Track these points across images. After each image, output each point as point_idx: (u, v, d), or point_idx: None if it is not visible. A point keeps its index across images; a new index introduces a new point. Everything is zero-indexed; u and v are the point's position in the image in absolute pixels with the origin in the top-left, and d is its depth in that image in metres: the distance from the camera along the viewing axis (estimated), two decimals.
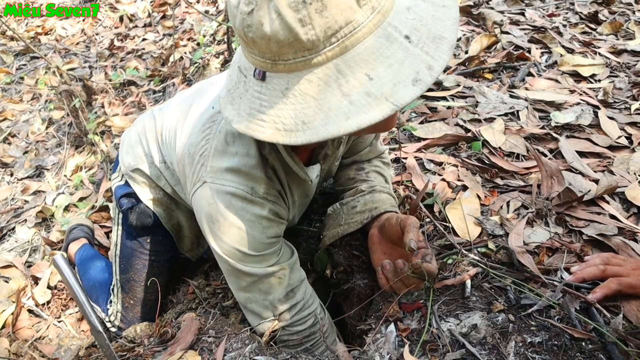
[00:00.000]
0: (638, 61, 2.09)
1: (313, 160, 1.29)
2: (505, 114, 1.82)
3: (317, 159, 1.28)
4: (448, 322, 1.10)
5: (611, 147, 1.62)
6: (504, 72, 2.14)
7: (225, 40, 3.06)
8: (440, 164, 1.63)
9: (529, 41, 2.33)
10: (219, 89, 1.17)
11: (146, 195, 1.56)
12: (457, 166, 1.59)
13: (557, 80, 2.01)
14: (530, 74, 2.09)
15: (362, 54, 0.80)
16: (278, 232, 1.18)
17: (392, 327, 1.14)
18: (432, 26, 0.81)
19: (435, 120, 1.85)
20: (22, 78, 3.93)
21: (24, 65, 4.14)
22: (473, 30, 2.49)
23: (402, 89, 0.78)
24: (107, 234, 2.30)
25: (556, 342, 1.01)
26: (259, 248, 1.14)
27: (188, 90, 1.45)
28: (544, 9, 2.66)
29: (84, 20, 4.52)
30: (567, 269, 1.17)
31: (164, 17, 4.22)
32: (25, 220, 2.59)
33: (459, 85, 2.04)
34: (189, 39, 3.67)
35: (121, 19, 4.37)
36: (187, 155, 1.16)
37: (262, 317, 1.24)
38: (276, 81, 0.84)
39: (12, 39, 4.41)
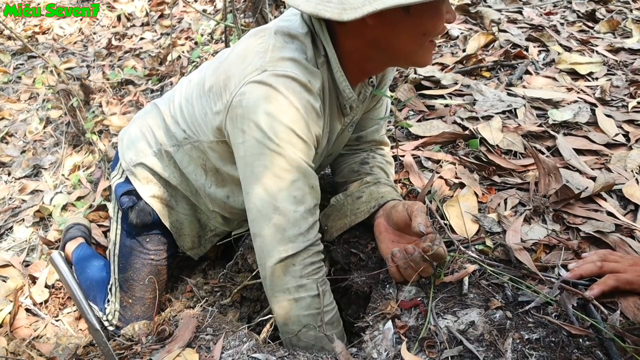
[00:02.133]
0: (635, 59, 2.10)
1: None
2: (503, 112, 1.83)
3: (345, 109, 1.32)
4: (446, 319, 1.11)
5: (608, 145, 1.62)
6: (502, 70, 2.15)
7: (223, 39, 3.05)
8: (437, 161, 1.63)
9: (527, 39, 2.34)
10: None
11: (147, 192, 1.56)
12: (454, 164, 1.59)
13: (554, 79, 2.02)
14: (527, 72, 2.09)
15: None
16: (319, 133, 1.21)
17: (389, 324, 1.14)
18: None
19: (433, 118, 1.85)
20: (19, 77, 3.92)
21: (22, 64, 4.13)
22: (471, 29, 2.50)
23: None
24: (105, 233, 2.30)
25: (553, 339, 1.01)
26: (308, 135, 1.15)
27: (190, 74, 1.48)
28: (541, 7, 2.66)
29: (81, 19, 4.52)
30: (565, 266, 1.17)
31: (161, 16, 4.22)
32: (23, 220, 2.59)
33: (456, 84, 2.05)
34: (186, 38, 3.67)
35: (119, 18, 4.37)
36: (236, 59, 1.19)
37: (285, 234, 1.16)
38: None
39: (9, 38, 4.40)
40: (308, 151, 1.17)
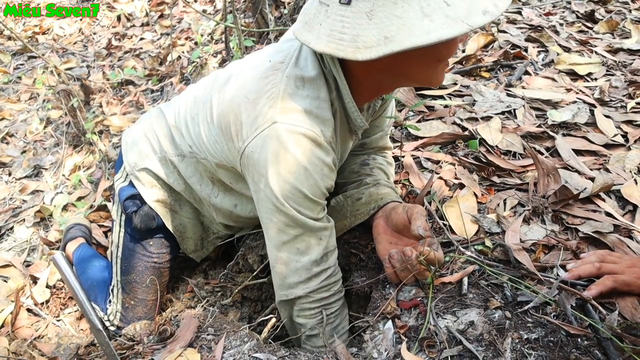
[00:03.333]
0: (634, 60, 2.11)
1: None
2: (502, 113, 1.83)
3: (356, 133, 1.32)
4: (445, 319, 1.11)
5: (607, 145, 1.63)
6: (501, 70, 2.15)
7: (223, 39, 3.06)
8: (437, 162, 1.64)
9: (526, 40, 2.34)
10: (261, 57, 1.24)
11: (151, 197, 1.56)
12: (454, 164, 1.60)
13: (553, 79, 2.02)
14: (527, 73, 2.10)
15: None
16: (331, 185, 1.21)
17: (389, 324, 1.15)
18: None
19: (433, 119, 1.86)
20: (19, 77, 3.93)
21: (22, 64, 4.13)
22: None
23: (474, 15, 0.92)
24: (106, 233, 2.30)
25: (552, 339, 1.02)
26: (316, 194, 1.16)
27: (205, 79, 1.46)
28: (540, 8, 2.67)
29: (81, 19, 4.52)
30: (563, 266, 1.18)
31: (161, 16, 4.22)
32: (24, 220, 2.59)
33: (456, 84, 2.05)
34: (186, 38, 3.67)
35: (119, 18, 4.37)
36: (245, 102, 1.16)
37: (285, 282, 1.24)
38: (362, 4, 0.96)
39: (9, 38, 4.40)
40: (316, 207, 1.18)
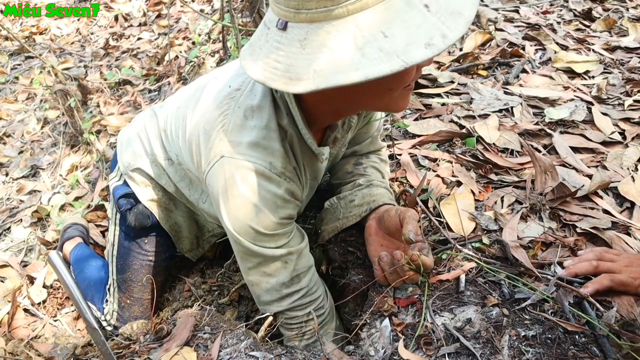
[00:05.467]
0: (631, 58, 2.10)
1: (323, 143, 1.29)
2: (500, 110, 1.83)
3: (327, 142, 1.29)
4: (442, 316, 1.11)
5: (605, 143, 1.63)
6: (498, 68, 2.15)
7: (221, 39, 3.05)
8: (434, 160, 1.64)
9: (523, 38, 2.34)
10: (227, 77, 1.20)
11: (145, 196, 1.55)
12: (451, 162, 1.60)
13: (551, 77, 2.02)
14: (524, 71, 2.09)
15: (382, 12, 0.83)
16: (291, 214, 1.18)
17: (386, 321, 1.14)
18: (452, 1, 0.84)
19: (430, 117, 1.86)
20: (16, 78, 3.92)
21: (19, 64, 4.12)
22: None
23: (414, 49, 0.81)
24: (103, 233, 2.30)
25: (550, 336, 1.02)
26: (270, 227, 1.14)
27: (189, 86, 1.45)
28: (538, 6, 2.67)
29: (78, 19, 4.51)
30: (561, 263, 1.18)
31: (159, 16, 4.21)
32: (21, 220, 2.59)
33: (453, 82, 2.05)
34: (184, 38, 3.66)
35: (116, 18, 4.36)
36: (203, 133, 1.16)
37: (261, 300, 1.25)
38: (296, 31, 0.88)
39: (6, 38, 4.39)
40: (272, 238, 1.16)
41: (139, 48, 3.85)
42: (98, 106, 3.22)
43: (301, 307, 1.25)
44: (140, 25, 4.23)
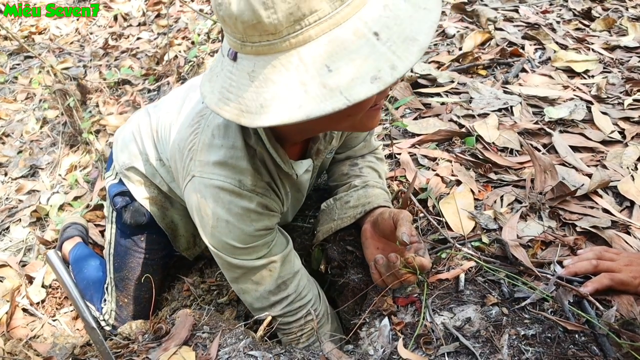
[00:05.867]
0: (631, 57, 2.10)
1: (305, 155, 1.29)
2: (499, 110, 1.83)
3: (309, 154, 1.28)
4: (442, 315, 1.11)
5: (604, 142, 1.62)
6: (498, 68, 2.15)
7: (220, 38, 3.05)
8: (434, 159, 1.63)
9: (523, 37, 2.34)
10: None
11: (140, 194, 1.55)
12: (450, 161, 1.60)
13: (550, 76, 2.02)
14: (524, 70, 2.09)
15: (326, 45, 0.78)
16: (268, 225, 1.18)
17: (386, 321, 1.14)
18: (406, 26, 0.79)
19: (429, 116, 1.85)
20: (15, 77, 3.91)
21: (18, 64, 4.12)
22: (467, 27, 2.50)
23: (359, 85, 0.76)
24: (102, 233, 2.29)
25: (549, 335, 1.01)
26: (247, 241, 1.14)
27: (182, 86, 1.45)
28: (537, 6, 2.66)
29: (78, 19, 4.51)
30: (560, 262, 1.18)
31: (158, 15, 4.21)
32: (20, 220, 2.59)
33: (452, 82, 2.05)
34: (183, 38, 3.66)
35: (115, 17, 4.36)
36: (177, 151, 1.18)
37: (253, 307, 1.26)
38: (245, 63, 0.85)
39: (5, 38, 4.39)
40: (252, 251, 1.17)
41: (138, 48, 3.85)
42: (97, 106, 3.21)
43: (291, 313, 1.26)
44: (139, 25, 4.22)
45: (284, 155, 1.14)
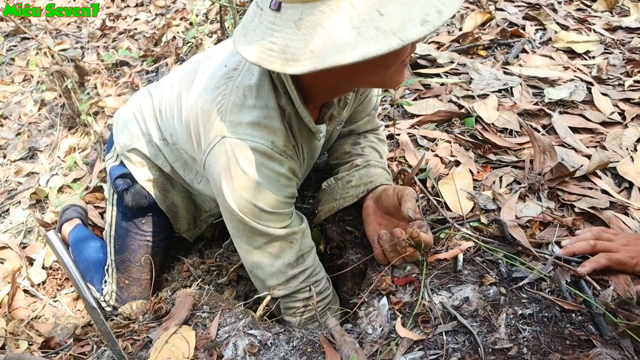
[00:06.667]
0: (632, 38, 2.09)
1: (319, 120, 1.29)
2: (499, 91, 1.82)
3: (323, 119, 1.28)
4: (440, 295, 1.11)
5: (604, 123, 1.62)
6: (498, 48, 2.13)
7: (218, 19, 3.02)
8: (433, 140, 1.63)
9: (524, 18, 2.32)
10: (222, 56, 1.19)
11: (142, 176, 1.55)
12: (450, 142, 1.59)
13: (551, 57, 2.01)
14: (524, 51, 2.08)
15: None
16: (293, 193, 1.19)
17: (384, 300, 1.15)
18: None
19: (429, 97, 1.85)
20: (12, 59, 3.88)
21: (15, 46, 4.09)
22: (467, 7, 2.47)
23: (410, 27, 0.81)
24: (102, 214, 2.30)
25: (547, 314, 1.02)
26: (275, 205, 1.14)
27: (186, 64, 1.44)
28: None
29: (75, 0, 4.46)
30: (559, 243, 1.18)
31: None
32: (19, 202, 2.59)
33: (452, 62, 2.03)
34: (181, 19, 3.63)
35: None
36: (201, 114, 1.15)
37: (265, 284, 1.25)
38: (290, 12, 0.87)
39: (1, 19, 4.34)
40: (277, 217, 1.17)
41: (135, 29, 3.81)
42: (95, 87, 3.20)
43: (307, 288, 1.25)
44: (137, 5, 4.18)
45: (310, 114, 1.16)
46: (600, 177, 1.39)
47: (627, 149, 1.50)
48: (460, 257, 1.18)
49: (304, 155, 1.26)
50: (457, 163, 1.49)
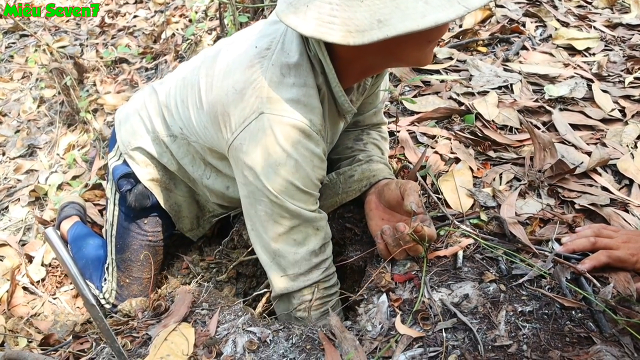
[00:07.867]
0: (633, 35, 2.08)
1: None
2: (499, 87, 1.82)
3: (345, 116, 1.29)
4: (440, 292, 1.11)
5: (604, 120, 1.62)
6: (498, 45, 2.13)
7: (217, 16, 3.02)
8: (433, 137, 1.63)
9: (524, 15, 2.31)
10: (249, 40, 1.19)
11: (145, 176, 1.54)
12: (450, 139, 1.59)
13: (551, 54, 2.00)
14: (524, 48, 2.07)
15: None
16: (323, 176, 1.19)
17: (384, 297, 1.15)
18: None
19: (429, 94, 1.84)
20: (11, 56, 3.88)
21: (13, 43, 4.08)
22: None
23: None
24: (101, 212, 2.30)
25: (546, 311, 1.02)
26: (308, 185, 1.14)
27: (197, 57, 1.43)
28: None
29: None
30: (559, 240, 1.18)
31: None
32: (19, 199, 2.59)
33: (452, 59, 2.03)
34: (180, 16, 3.62)
35: None
36: (233, 93, 1.13)
37: (287, 273, 1.21)
38: None
39: (0, 16, 4.34)
40: (309, 199, 1.16)
41: (135, 26, 3.81)
42: (94, 85, 3.19)
43: (328, 278, 1.24)
44: (136, 2, 4.17)
45: (345, 95, 1.17)
46: (600, 174, 1.39)
47: (627, 145, 1.49)
48: (460, 254, 1.18)
49: (328, 139, 1.27)
50: (457, 160, 1.49)
